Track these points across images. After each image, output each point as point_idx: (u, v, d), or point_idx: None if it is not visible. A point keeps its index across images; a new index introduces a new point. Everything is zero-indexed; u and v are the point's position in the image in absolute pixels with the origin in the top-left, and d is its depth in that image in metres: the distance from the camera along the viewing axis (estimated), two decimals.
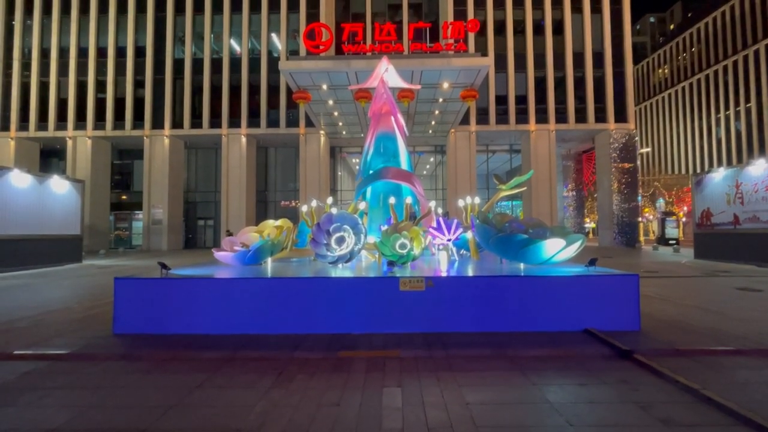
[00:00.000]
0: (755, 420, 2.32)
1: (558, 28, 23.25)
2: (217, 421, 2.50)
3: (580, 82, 23.26)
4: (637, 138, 26.94)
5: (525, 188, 7.04)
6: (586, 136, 24.70)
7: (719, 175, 13.26)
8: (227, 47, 24.60)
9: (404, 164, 8.68)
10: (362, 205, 7.03)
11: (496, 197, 6.76)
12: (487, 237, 5.58)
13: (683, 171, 44.43)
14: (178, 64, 24.73)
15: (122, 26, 25.10)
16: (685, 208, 31.35)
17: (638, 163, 27.56)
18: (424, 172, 32.75)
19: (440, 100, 17.64)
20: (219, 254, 5.89)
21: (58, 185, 14.46)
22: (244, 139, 24.08)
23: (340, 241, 6.38)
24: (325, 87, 16.07)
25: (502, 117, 23.05)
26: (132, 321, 4.49)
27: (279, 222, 6.70)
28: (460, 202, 6.89)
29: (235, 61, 24.56)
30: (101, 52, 25.03)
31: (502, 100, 23.06)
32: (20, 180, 12.90)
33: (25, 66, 25.26)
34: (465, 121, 22.54)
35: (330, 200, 7.40)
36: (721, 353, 3.71)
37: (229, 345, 4.01)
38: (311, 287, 4.46)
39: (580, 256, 5.42)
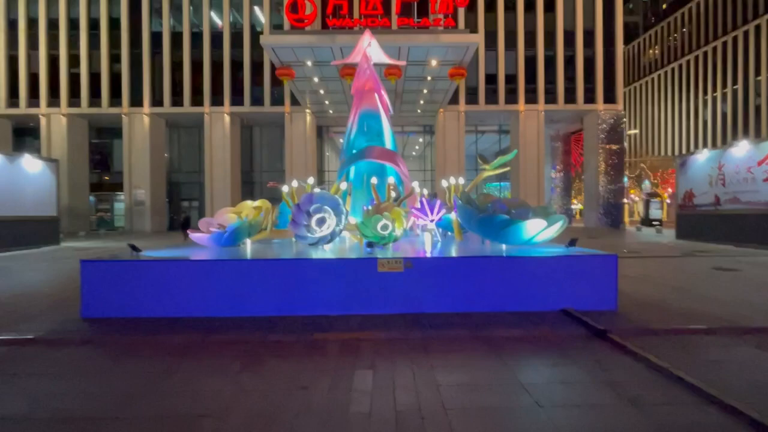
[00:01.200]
0: (721, 398, 2.32)
1: (550, 5, 22.73)
2: (181, 408, 2.41)
3: (570, 62, 22.99)
4: (625, 119, 26.95)
5: (508, 168, 6.94)
6: (574, 117, 24.63)
7: (703, 156, 13.38)
8: (208, 20, 23.52)
9: (388, 143, 8.49)
10: (344, 186, 6.87)
11: (479, 177, 6.67)
12: (469, 218, 5.51)
13: (669, 153, 44.93)
14: (156, 38, 23.60)
15: None
16: (670, 190, 31.88)
17: (626, 144, 27.70)
18: (414, 153, 32.51)
19: (428, 78, 17.25)
20: (194, 236, 5.70)
21: (31, 165, 13.88)
22: (227, 118, 23.38)
23: (321, 222, 6.25)
24: (309, 63, 15.53)
25: (492, 97, 22.76)
26: (100, 305, 4.33)
27: (258, 203, 6.51)
28: (444, 183, 6.77)
29: (216, 36, 23.54)
30: (73, 24, 23.70)
31: (491, 79, 22.71)
32: None
33: None
34: (454, 100, 22.21)
35: (311, 180, 7.21)
36: (694, 332, 3.75)
37: (201, 328, 3.91)
38: (287, 269, 4.35)
39: (563, 236, 5.40)
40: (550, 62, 22.92)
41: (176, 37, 23.60)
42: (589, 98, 23.01)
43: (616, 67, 23.29)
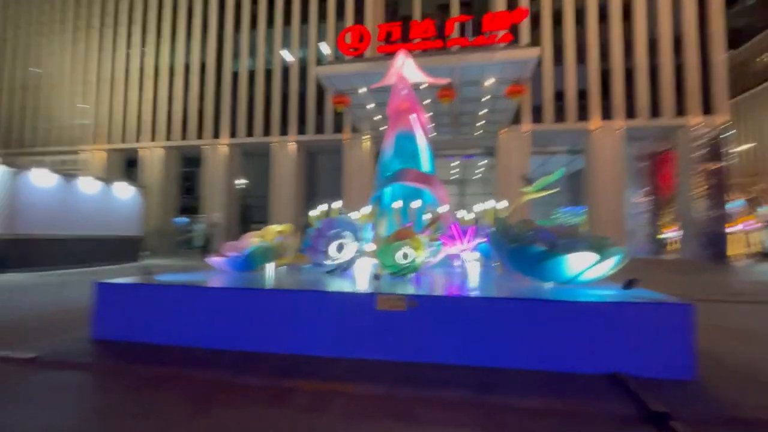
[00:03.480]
0: None
1: (626, 14, 20.68)
2: None
3: (654, 73, 20.41)
4: (730, 133, 22.92)
5: (556, 189, 5.95)
6: (663, 133, 21.60)
7: None
8: (278, 58, 25.68)
9: (426, 165, 7.96)
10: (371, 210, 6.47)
11: (520, 200, 5.78)
12: (499, 248, 4.69)
13: None
14: (235, 77, 26.35)
15: (191, 46, 27.44)
16: None
17: (731, 162, 23.44)
18: (478, 175, 31.22)
19: (486, 98, 16.47)
20: (211, 260, 5.69)
21: (123, 190, 15.88)
22: (291, 146, 24.84)
23: (340, 248, 5.89)
24: (363, 90, 15.82)
25: (560, 114, 21.02)
26: (107, 326, 4.37)
27: (282, 227, 6.39)
28: (477, 207, 6.01)
29: (285, 71, 25.53)
30: (172, 71, 27.58)
31: (559, 96, 21.06)
32: (89, 185, 14.33)
33: (112, 87, 28.72)
34: (517, 120, 20.95)
35: (339, 204, 6.95)
36: None
37: (181, 359, 3.67)
38: (274, 300, 3.98)
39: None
40: (629, 74, 20.60)
41: (251, 76, 26.08)
42: (681, 111, 20.05)
43: (715, 75, 20.11)
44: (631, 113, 20.32)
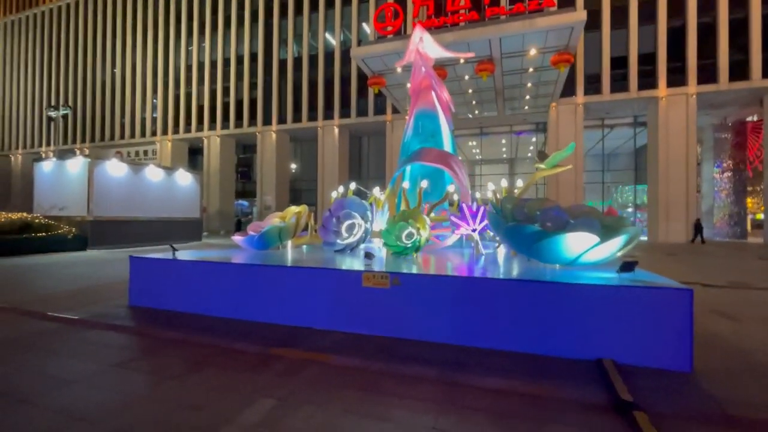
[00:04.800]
0: None
1: None
2: (62, 402, 2.49)
3: (738, 28, 17.50)
4: None
5: (570, 166, 5.49)
6: (749, 98, 18.62)
7: None
8: (322, 43, 26.02)
9: (447, 144, 7.78)
10: (407, 185, 6.51)
11: (533, 178, 5.45)
12: (497, 227, 4.54)
13: None
14: (282, 64, 27.25)
15: (240, 37, 28.80)
16: None
17: None
18: (528, 155, 29.57)
19: (530, 69, 15.38)
20: (235, 238, 6.16)
21: (183, 177, 17.44)
22: (336, 130, 25.34)
23: (351, 228, 6.06)
24: (399, 70, 15.57)
25: (620, 83, 18.99)
26: (143, 295, 5.01)
27: (299, 208, 6.70)
28: (490, 186, 5.77)
29: (329, 55, 25.85)
30: (226, 62, 29.23)
31: (619, 62, 18.97)
32: (154, 173, 15.95)
33: (175, 81, 31.19)
34: (570, 91, 19.33)
35: (353, 186, 7.10)
36: None
37: (191, 325, 4.12)
38: (273, 275, 4.26)
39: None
40: (705, 31, 17.90)
41: (297, 62, 26.78)
42: None
43: None
44: (707, 77, 17.73)
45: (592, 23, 19.31)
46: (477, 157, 30.13)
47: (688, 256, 12.47)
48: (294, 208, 6.78)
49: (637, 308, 3.08)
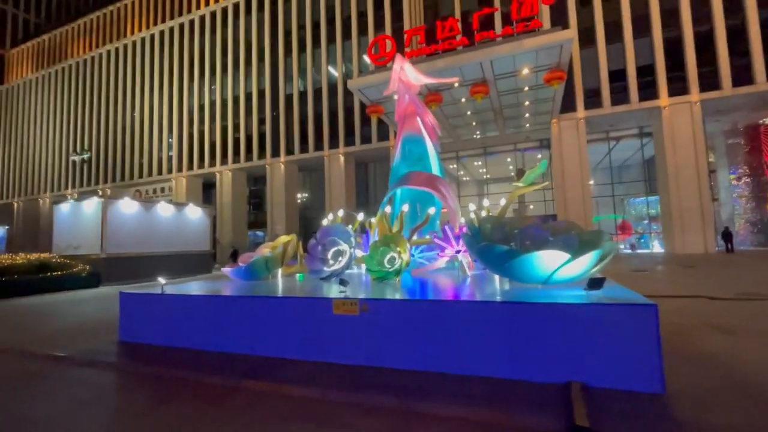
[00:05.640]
0: None
1: None
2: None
3: (737, 33, 17.39)
4: None
5: (546, 183, 5.45)
6: (757, 102, 18.22)
7: None
8: (325, 77, 27.06)
9: (434, 167, 7.85)
10: (388, 210, 6.57)
11: (512, 197, 5.42)
12: (470, 247, 4.51)
13: None
14: (288, 99, 28.35)
15: (248, 75, 30.26)
16: None
17: None
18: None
19: (525, 88, 15.55)
20: (224, 270, 6.28)
21: (192, 211, 17.98)
22: (342, 158, 25.89)
23: (337, 255, 6.10)
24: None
25: (621, 95, 18.93)
26: (133, 331, 5.11)
27: (288, 237, 6.80)
28: (471, 206, 5.76)
29: (332, 88, 26.81)
30: (235, 100, 30.62)
31: (618, 75, 18.99)
32: (164, 209, 16.52)
33: (189, 121, 32.76)
34: (570, 107, 19.36)
35: (341, 212, 7.20)
36: None
37: (170, 361, 4.17)
38: (245, 306, 4.30)
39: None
40: (703, 40, 17.84)
41: (302, 96, 27.84)
42: None
43: None
44: (710, 84, 17.51)
45: (587, 39, 19.57)
46: (485, 176, 30.10)
47: (707, 268, 11.92)
48: (284, 238, 6.89)
49: (601, 327, 2.98)
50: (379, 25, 25.21)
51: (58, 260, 13.57)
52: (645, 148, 21.97)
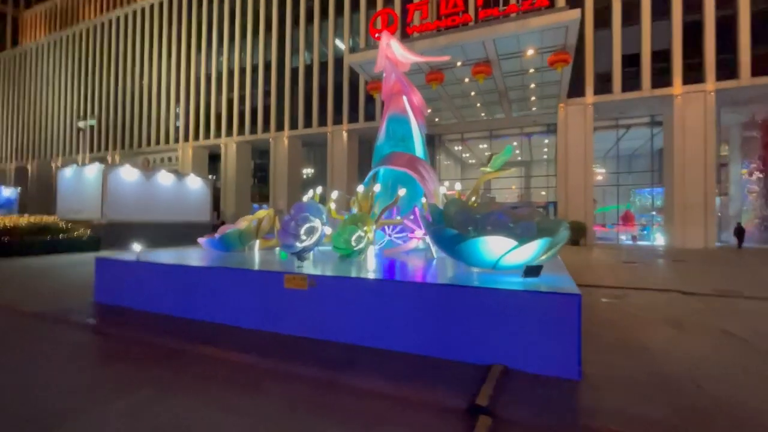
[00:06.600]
0: None
1: None
2: None
3: (761, 19, 16.43)
4: None
5: (512, 170, 5.41)
6: None
7: None
8: (332, 50, 26.52)
9: (418, 148, 7.80)
10: (377, 188, 6.60)
11: (479, 182, 5.41)
12: (427, 229, 4.56)
13: None
14: (294, 72, 27.96)
15: (255, 46, 29.80)
16: None
17: None
18: (544, 156, 28.82)
19: (531, 70, 15.07)
20: (200, 240, 6.45)
21: (193, 181, 18.22)
22: (345, 134, 25.70)
23: (310, 231, 6.20)
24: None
25: (632, 81, 18.22)
26: (106, 293, 5.34)
27: (265, 212, 6.92)
28: (441, 190, 5.77)
29: (338, 62, 26.29)
30: (242, 72, 30.31)
31: (631, 59, 18.22)
32: (165, 178, 16.76)
33: (196, 91, 32.64)
34: (579, 91, 18.76)
35: (319, 190, 7.25)
36: None
37: (132, 322, 4.38)
38: (208, 276, 4.46)
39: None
40: (724, 25, 16.92)
41: (308, 69, 27.41)
42: None
43: None
44: (727, 73, 16.72)
45: (602, 21, 18.72)
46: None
47: (697, 264, 11.80)
48: (261, 212, 7.01)
49: (527, 313, 3.04)
50: None
51: (60, 223, 14.00)
52: (656, 138, 21.30)
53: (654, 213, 23.84)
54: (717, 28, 16.89)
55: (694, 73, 17.25)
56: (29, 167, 44.84)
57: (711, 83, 16.89)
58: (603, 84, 18.79)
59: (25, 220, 13.51)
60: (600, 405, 2.56)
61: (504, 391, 2.69)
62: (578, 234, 18.27)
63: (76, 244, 13.45)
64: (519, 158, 29.61)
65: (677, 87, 17.36)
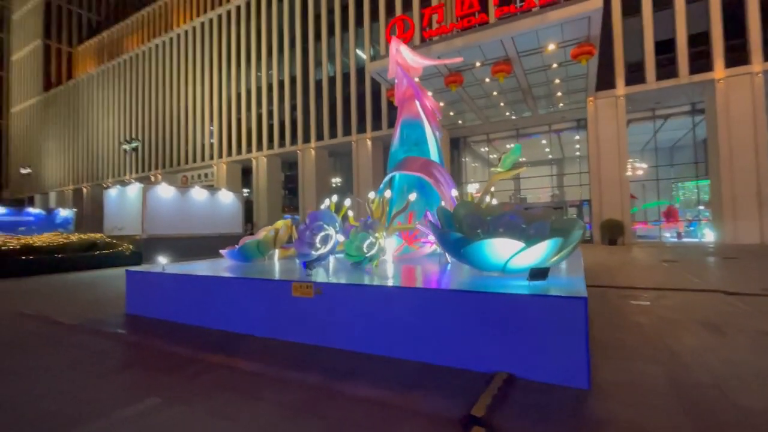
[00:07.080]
0: None
1: None
2: None
3: None
4: None
5: (524, 169, 5.21)
6: None
7: None
8: (353, 61, 27.00)
9: (432, 152, 7.73)
10: (389, 195, 6.65)
11: (490, 182, 5.25)
12: (435, 233, 4.47)
13: None
14: (318, 85, 28.68)
15: (281, 63, 30.91)
16: None
17: None
18: (577, 153, 27.68)
19: (554, 65, 14.57)
20: (222, 251, 6.70)
21: (225, 195, 19.03)
22: (369, 142, 25.96)
23: (325, 239, 6.28)
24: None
25: (668, 69, 17.13)
26: (138, 305, 5.66)
27: (283, 222, 7.09)
28: (454, 192, 5.66)
29: (360, 72, 26.71)
30: (269, 88, 31.50)
31: (665, 46, 17.16)
32: (198, 193, 17.63)
33: (228, 109, 34.24)
34: (608, 84, 17.89)
35: (335, 198, 7.33)
36: None
37: (155, 332, 4.60)
38: (221, 286, 4.61)
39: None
40: None
41: (331, 81, 28.03)
42: None
43: None
44: None
45: (631, 8, 17.80)
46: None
47: (749, 261, 10.82)
48: (279, 223, 7.19)
49: (531, 319, 2.90)
50: (407, 6, 24.56)
51: (106, 240, 15.05)
52: (698, 127, 19.84)
53: (701, 207, 22.17)
54: (761, 3, 15.57)
55: (737, 55, 15.96)
56: (84, 189, 48.72)
57: (758, 64, 15.56)
58: (635, 74, 17.81)
59: (75, 237, 14.65)
60: (608, 416, 2.38)
61: (504, 401, 2.58)
62: (615, 232, 17.30)
63: (120, 259, 14.38)
64: (549, 156, 28.62)
65: (719, 71, 16.13)
